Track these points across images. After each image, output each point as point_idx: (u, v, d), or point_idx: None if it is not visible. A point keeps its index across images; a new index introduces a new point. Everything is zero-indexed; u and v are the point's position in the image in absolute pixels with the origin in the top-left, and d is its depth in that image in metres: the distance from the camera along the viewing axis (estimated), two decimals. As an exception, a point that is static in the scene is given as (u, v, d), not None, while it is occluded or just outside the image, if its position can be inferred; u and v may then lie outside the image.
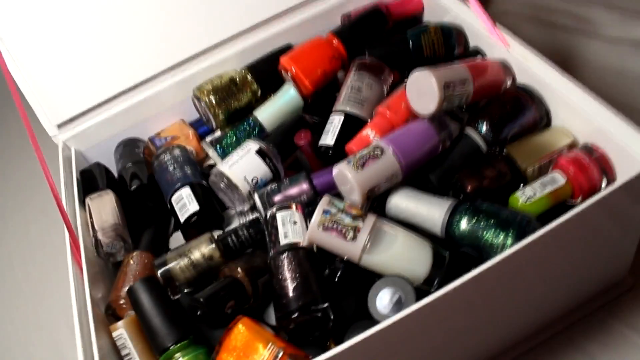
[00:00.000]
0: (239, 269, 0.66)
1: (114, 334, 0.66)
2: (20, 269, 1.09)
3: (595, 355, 0.71)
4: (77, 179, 0.83)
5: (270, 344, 0.58)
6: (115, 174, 0.86)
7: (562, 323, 0.73)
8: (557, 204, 0.65)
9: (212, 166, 0.81)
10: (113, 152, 0.89)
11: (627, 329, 0.72)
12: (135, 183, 0.81)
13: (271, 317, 0.67)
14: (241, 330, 0.59)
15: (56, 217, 1.11)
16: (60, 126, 0.89)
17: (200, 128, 0.90)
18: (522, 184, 0.66)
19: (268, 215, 0.67)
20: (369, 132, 0.72)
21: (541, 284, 0.64)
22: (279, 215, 0.66)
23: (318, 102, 0.83)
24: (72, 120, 0.89)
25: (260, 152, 0.75)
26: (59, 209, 0.74)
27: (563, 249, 0.61)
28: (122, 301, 0.69)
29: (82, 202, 0.80)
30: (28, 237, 1.14)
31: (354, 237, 0.60)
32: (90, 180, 0.82)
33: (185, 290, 0.68)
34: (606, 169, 0.64)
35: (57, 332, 0.96)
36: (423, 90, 0.67)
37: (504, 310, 0.65)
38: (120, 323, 0.66)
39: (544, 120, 0.72)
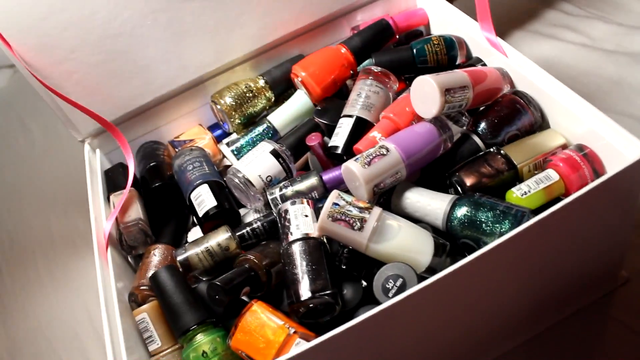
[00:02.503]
0: (254, 259, 0.70)
1: (137, 318, 0.71)
2: (43, 267, 1.14)
3: (593, 345, 0.75)
4: (102, 178, 0.88)
5: (282, 324, 0.62)
6: (137, 175, 0.91)
7: (559, 314, 0.77)
8: (552, 200, 0.69)
9: (229, 167, 0.87)
10: (135, 154, 0.95)
11: (624, 320, 0.76)
12: (156, 182, 0.86)
13: (284, 303, 0.71)
14: (255, 312, 0.64)
15: (76, 217, 1.18)
16: (87, 129, 0.94)
17: (218, 132, 0.96)
18: (517, 182, 0.71)
19: (281, 210, 0.72)
20: (375, 134, 0.77)
21: (537, 273, 0.68)
22: (292, 209, 0.71)
23: (328, 107, 0.88)
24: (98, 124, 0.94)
25: (274, 153, 0.80)
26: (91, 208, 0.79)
27: (556, 239, 0.65)
28: (144, 288, 0.74)
29: (107, 199, 0.85)
30: (50, 236, 1.19)
31: (361, 227, 0.65)
32: (114, 179, 0.87)
33: (204, 279, 0.73)
34: (597, 168, 0.69)
35: (78, 325, 1.01)
36: (426, 95, 0.72)
37: (502, 299, 0.69)
38: (143, 307, 0.71)
39: (539, 123, 0.76)
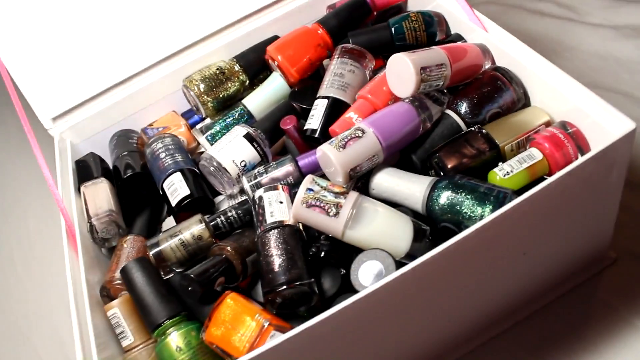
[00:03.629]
0: (229, 248, 0.68)
1: (109, 313, 0.68)
2: (19, 260, 1.12)
3: (580, 328, 0.73)
4: (73, 169, 0.85)
5: (257, 316, 0.60)
6: (110, 165, 0.88)
7: (546, 297, 0.75)
8: (535, 180, 0.67)
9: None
10: (107, 143, 0.91)
11: (611, 301, 0.74)
12: (129, 171, 0.83)
13: (259, 294, 0.69)
14: (229, 304, 0.62)
15: (54, 210, 1.14)
16: (55, 119, 0.92)
17: (191, 118, 0.93)
18: (500, 162, 0.69)
19: (256, 196, 0.69)
20: (351, 115, 0.74)
21: (522, 257, 0.66)
22: (266, 196, 0.68)
23: (304, 89, 0.85)
24: (67, 113, 0.92)
25: (248, 137, 0.77)
26: (53, 194, 0.76)
27: (541, 221, 0.63)
28: (116, 282, 0.71)
29: (78, 191, 0.82)
30: (27, 230, 1.16)
31: (337, 213, 0.62)
32: (86, 169, 0.84)
33: (177, 270, 0.71)
34: (581, 145, 0.67)
35: (56, 320, 0.99)
36: (401, 73, 0.69)
37: (486, 283, 0.67)
38: (114, 302, 0.68)
39: (521, 100, 0.74)
